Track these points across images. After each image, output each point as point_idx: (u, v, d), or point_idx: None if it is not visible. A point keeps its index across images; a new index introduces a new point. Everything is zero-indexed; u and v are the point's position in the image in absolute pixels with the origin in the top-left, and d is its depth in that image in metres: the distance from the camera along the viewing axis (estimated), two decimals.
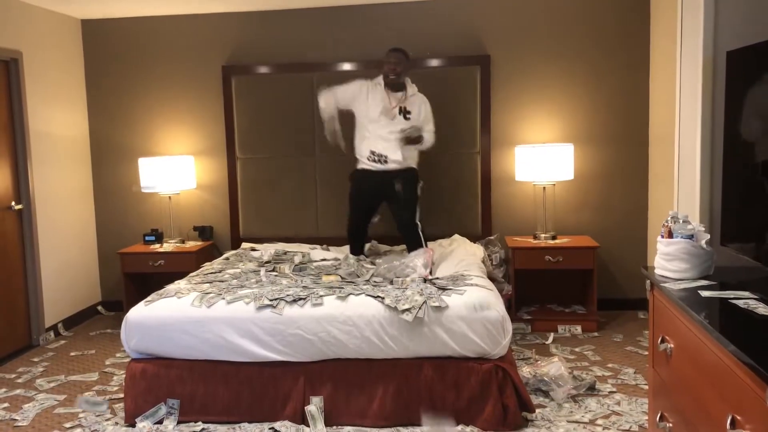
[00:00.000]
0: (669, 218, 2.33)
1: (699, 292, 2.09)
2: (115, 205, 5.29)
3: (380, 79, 4.26)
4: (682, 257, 2.24)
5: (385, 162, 4.17)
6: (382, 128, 4.18)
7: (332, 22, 4.98)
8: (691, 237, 2.25)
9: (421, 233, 4.19)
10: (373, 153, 4.18)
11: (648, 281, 2.40)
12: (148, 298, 3.42)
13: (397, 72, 4.18)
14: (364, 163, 4.27)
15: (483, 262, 4.23)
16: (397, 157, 4.17)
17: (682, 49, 2.76)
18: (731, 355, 1.62)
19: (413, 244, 4.15)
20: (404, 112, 4.19)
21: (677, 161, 2.85)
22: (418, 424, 3.12)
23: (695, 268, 2.24)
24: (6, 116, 4.39)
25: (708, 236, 2.26)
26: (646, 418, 3.11)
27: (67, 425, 3.24)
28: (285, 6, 4.92)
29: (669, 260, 2.28)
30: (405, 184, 4.22)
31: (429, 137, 4.28)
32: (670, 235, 2.29)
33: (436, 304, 3.13)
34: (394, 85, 4.22)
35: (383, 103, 4.19)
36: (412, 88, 4.29)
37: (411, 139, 4.18)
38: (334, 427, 3.13)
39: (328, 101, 4.35)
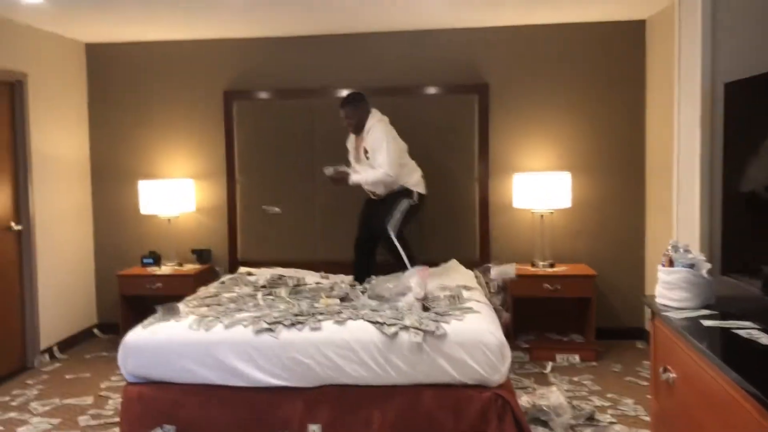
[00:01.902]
0: (670, 247, 2.35)
1: (701, 321, 2.10)
2: (114, 226, 5.29)
3: None
4: (683, 286, 2.25)
5: (373, 194, 4.45)
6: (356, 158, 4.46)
7: (333, 50, 5.04)
8: (691, 266, 2.26)
9: (396, 242, 4.20)
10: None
11: (649, 310, 2.40)
12: (146, 321, 3.40)
13: (351, 123, 4.35)
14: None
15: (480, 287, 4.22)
16: (378, 191, 4.38)
17: (680, 81, 2.80)
18: (735, 383, 1.63)
19: (391, 254, 4.26)
20: (364, 151, 4.34)
21: (676, 191, 2.87)
22: None
23: (696, 298, 2.25)
24: (9, 137, 4.41)
25: (709, 265, 2.27)
26: None
27: None
28: (287, 33, 4.98)
29: (670, 289, 2.29)
30: (388, 196, 4.33)
31: (374, 173, 4.23)
32: (671, 264, 2.31)
33: (439, 332, 3.11)
34: (356, 130, 4.38)
35: (352, 148, 4.49)
36: (370, 122, 4.30)
37: (336, 180, 4.36)
38: None
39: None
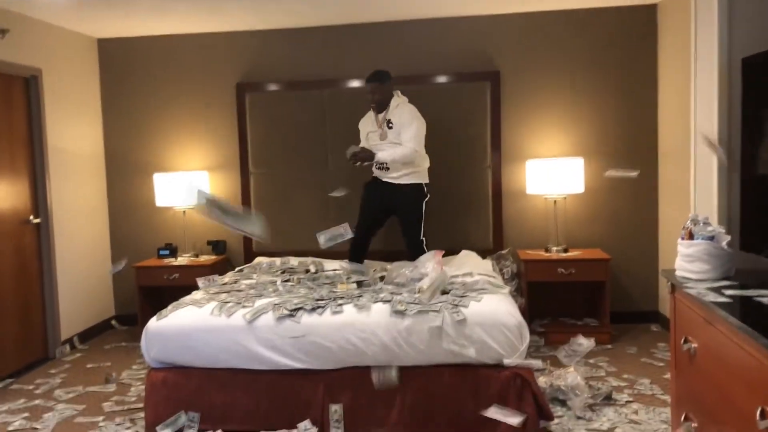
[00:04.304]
0: (689, 221, 2.37)
1: (723, 291, 2.12)
2: (129, 219, 5.34)
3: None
4: (703, 258, 2.28)
5: (387, 169, 4.28)
6: (380, 137, 4.32)
7: (344, 40, 5.07)
8: (711, 239, 2.28)
9: (425, 249, 4.24)
10: (377, 162, 4.30)
11: (669, 283, 2.43)
12: (168, 308, 3.45)
13: (375, 99, 4.30)
14: (375, 172, 4.42)
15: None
16: (398, 170, 4.27)
17: (696, 59, 2.82)
18: (763, 348, 1.65)
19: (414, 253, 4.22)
20: (387, 123, 4.30)
21: (693, 169, 2.89)
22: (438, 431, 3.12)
23: (717, 269, 2.27)
24: (25, 131, 4.47)
25: (729, 237, 2.30)
26: (665, 426, 3.12)
27: None
28: (298, 24, 5.02)
29: (690, 261, 2.32)
30: (411, 202, 4.30)
31: (402, 149, 4.20)
32: (691, 237, 2.33)
33: (459, 318, 3.14)
34: (379, 107, 4.33)
35: (371, 124, 4.39)
36: (396, 100, 4.33)
37: (360, 157, 4.23)
38: None
39: None
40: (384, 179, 4.34)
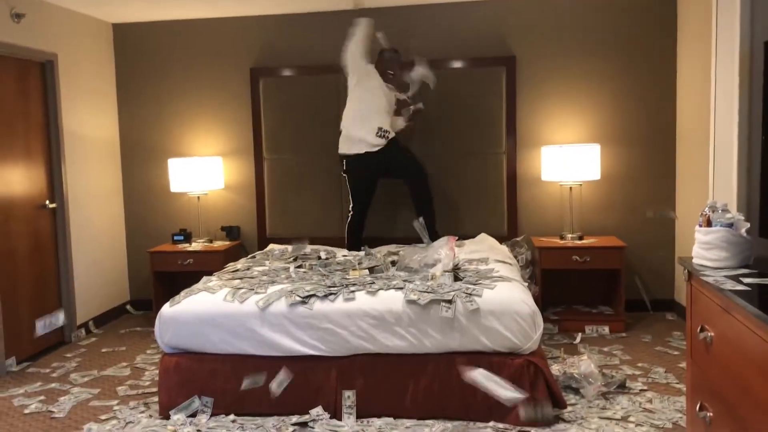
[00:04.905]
0: (707, 207, 2.33)
1: (741, 279, 2.08)
2: (144, 204, 5.36)
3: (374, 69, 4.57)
4: (721, 246, 2.23)
5: (387, 137, 4.49)
6: (388, 109, 4.55)
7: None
8: (730, 226, 2.24)
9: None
10: (380, 129, 4.46)
11: (686, 271, 2.38)
12: (181, 294, 3.46)
13: (397, 74, 4.62)
14: (364, 145, 4.46)
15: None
16: (393, 130, 4.58)
17: (717, 42, 2.76)
18: None
19: (427, 199, 4.54)
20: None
21: (712, 155, 2.84)
22: (450, 418, 3.11)
23: (735, 257, 2.23)
24: (41, 117, 4.49)
25: (748, 225, 2.25)
26: (680, 415, 3.09)
27: (103, 417, 3.29)
28: (312, 9, 4.98)
29: (708, 249, 2.27)
30: (404, 150, 4.63)
31: None
32: (709, 224, 2.29)
33: (473, 307, 3.11)
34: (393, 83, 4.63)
35: (388, 91, 4.56)
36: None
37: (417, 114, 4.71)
38: (366, 420, 3.13)
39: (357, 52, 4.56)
40: (380, 147, 4.47)
